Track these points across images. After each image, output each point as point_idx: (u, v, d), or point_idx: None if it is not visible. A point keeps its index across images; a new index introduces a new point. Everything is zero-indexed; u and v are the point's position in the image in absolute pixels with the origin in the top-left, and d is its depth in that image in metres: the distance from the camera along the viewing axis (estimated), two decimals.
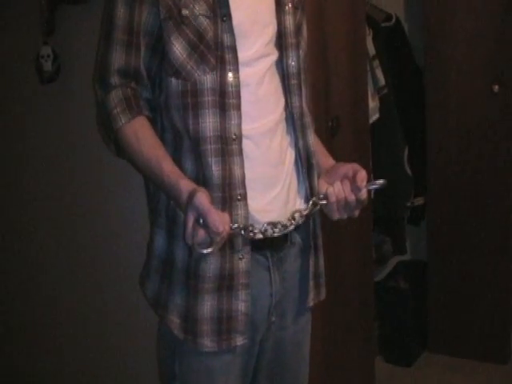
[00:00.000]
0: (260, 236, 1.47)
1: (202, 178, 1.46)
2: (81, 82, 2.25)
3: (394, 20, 3.42)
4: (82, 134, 2.31)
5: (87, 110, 2.21)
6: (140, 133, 1.46)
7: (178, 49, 1.44)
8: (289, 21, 1.58)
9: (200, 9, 1.44)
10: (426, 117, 3.38)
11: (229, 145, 1.47)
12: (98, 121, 1.56)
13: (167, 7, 1.43)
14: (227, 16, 1.46)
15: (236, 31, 1.47)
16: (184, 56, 1.45)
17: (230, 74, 1.47)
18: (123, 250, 2.36)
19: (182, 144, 1.49)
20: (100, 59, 1.51)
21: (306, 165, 1.61)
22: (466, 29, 3.28)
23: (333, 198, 1.52)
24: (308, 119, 1.63)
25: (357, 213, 1.56)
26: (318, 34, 2.47)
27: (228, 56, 1.47)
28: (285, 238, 1.57)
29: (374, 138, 3.01)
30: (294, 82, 1.59)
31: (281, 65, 1.58)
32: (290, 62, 1.58)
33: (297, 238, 1.62)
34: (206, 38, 1.45)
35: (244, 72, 1.49)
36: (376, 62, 3.16)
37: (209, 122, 1.46)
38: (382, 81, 3.17)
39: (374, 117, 3.11)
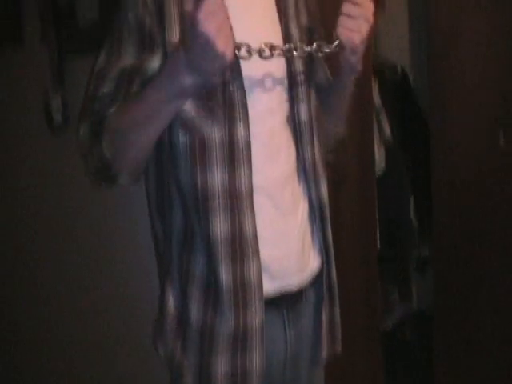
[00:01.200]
0: (256, 56, 1.39)
1: (209, 236, 1.43)
2: None
3: (399, 71, 3.45)
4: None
5: None
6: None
7: (187, 105, 1.40)
8: (299, 70, 1.54)
9: None
10: (431, 167, 3.39)
11: (239, 199, 1.44)
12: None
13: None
14: (237, 70, 1.43)
15: (246, 86, 1.44)
16: (192, 111, 1.41)
17: (240, 129, 1.43)
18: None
19: (187, 201, 1.45)
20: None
21: (319, 215, 1.58)
22: (472, 79, 3.31)
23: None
24: (321, 169, 1.59)
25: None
26: None
27: (238, 111, 1.43)
28: (300, 295, 1.55)
29: (380, 189, 3.01)
30: (305, 132, 1.55)
31: (292, 115, 1.54)
32: (301, 112, 1.54)
33: (311, 295, 1.59)
34: (216, 94, 1.41)
35: (256, 127, 1.46)
36: (382, 114, 3.19)
37: (217, 177, 1.42)
38: (388, 132, 3.19)
39: (381, 168, 3.12)
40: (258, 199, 1.47)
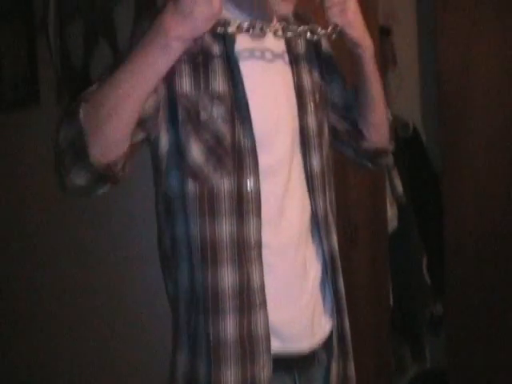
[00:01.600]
0: (233, 30, 1.33)
1: (216, 288, 1.42)
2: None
3: (411, 128, 3.47)
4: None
5: None
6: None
7: (196, 152, 1.39)
8: (311, 120, 1.53)
9: (218, 112, 1.40)
10: (443, 225, 3.37)
11: (247, 251, 1.42)
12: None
13: (186, 110, 1.39)
14: (247, 120, 1.42)
15: (256, 135, 1.43)
16: (202, 160, 1.40)
17: (250, 179, 1.42)
18: None
19: (194, 253, 1.43)
20: None
21: (330, 266, 1.55)
22: (484, 136, 3.31)
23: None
24: (331, 220, 1.57)
25: None
26: None
27: (247, 160, 1.42)
28: (312, 358, 1.53)
29: (393, 247, 3.00)
30: (317, 183, 1.53)
31: (304, 166, 1.52)
32: (313, 163, 1.52)
33: (324, 357, 1.56)
34: (224, 142, 1.41)
35: (268, 181, 1.45)
36: (394, 171, 3.20)
37: (226, 229, 1.41)
38: (400, 189, 3.19)
39: (393, 225, 3.12)
40: (269, 258, 1.46)
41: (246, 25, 1.34)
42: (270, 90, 1.49)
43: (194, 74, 1.40)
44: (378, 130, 1.66)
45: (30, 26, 2.55)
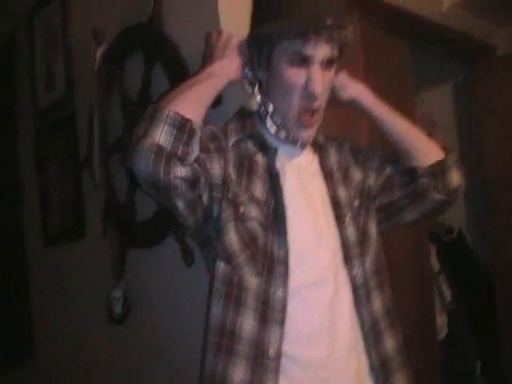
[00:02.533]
0: None
1: (223, 379, 1.40)
2: (149, 325, 2.32)
3: (456, 232, 3.45)
4: (148, 374, 2.34)
5: (155, 348, 2.27)
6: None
7: (233, 237, 1.44)
8: (350, 232, 1.56)
9: (255, 214, 1.46)
10: (498, 330, 3.30)
11: (264, 358, 1.41)
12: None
13: (228, 201, 1.45)
14: (282, 231, 1.46)
15: (296, 249, 1.46)
16: (237, 247, 1.44)
17: (278, 287, 1.43)
18: None
19: (210, 335, 1.43)
20: None
21: (381, 374, 1.54)
22: None
23: None
24: (384, 324, 1.56)
25: None
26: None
27: (279, 269, 1.44)
28: None
29: (445, 353, 2.94)
30: (362, 292, 1.54)
31: (348, 279, 1.53)
32: (355, 273, 1.53)
33: None
34: (257, 242, 1.44)
35: (312, 294, 1.46)
36: (442, 277, 3.16)
37: (247, 323, 1.41)
38: (448, 296, 3.15)
39: (443, 333, 3.06)
40: (291, 369, 1.43)
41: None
42: (309, 205, 1.54)
43: (238, 173, 1.48)
44: (422, 151, 1.66)
45: (76, 161, 2.65)
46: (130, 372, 2.41)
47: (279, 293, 1.43)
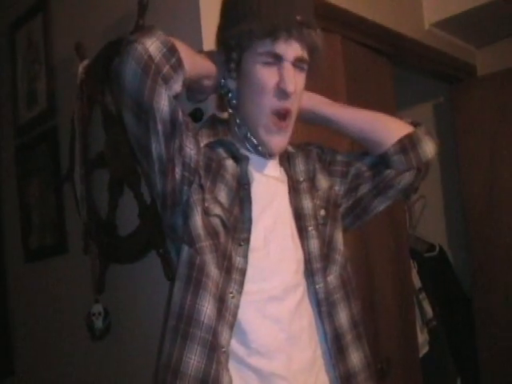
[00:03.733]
0: None
1: (177, 364, 1.38)
2: (130, 339, 2.30)
3: (437, 249, 3.46)
4: None
5: (137, 363, 2.25)
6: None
7: (199, 222, 1.43)
8: (314, 245, 1.55)
9: (217, 211, 1.45)
10: (476, 345, 3.31)
11: (219, 352, 1.39)
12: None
13: (197, 188, 1.45)
14: (245, 241, 1.46)
15: (252, 261, 1.45)
16: (201, 232, 1.43)
17: (233, 292, 1.43)
18: None
19: (169, 320, 1.42)
20: None
21: None
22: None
23: None
24: (350, 337, 1.55)
25: None
26: (364, 277, 2.51)
27: (236, 275, 1.43)
28: None
29: (425, 370, 2.94)
30: (324, 307, 1.53)
31: (310, 291, 1.54)
32: (317, 287, 1.53)
33: None
34: (219, 238, 1.44)
35: (273, 306, 1.46)
36: (422, 295, 3.17)
37: (206, 307, 1.39)
38: (429, 313, 3.15)
39: (424, 351, 3.07)
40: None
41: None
42: (275, 218, 1.53)
43: (204, 173, 1.47)
44: (388, 130, 1.66)
45: (57, 177, 2.63)
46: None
47: (233, 299, 1.43)
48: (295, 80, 1.48)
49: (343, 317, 1.55)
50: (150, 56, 1.33)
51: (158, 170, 1.41)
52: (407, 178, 1.65)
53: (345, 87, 2.51)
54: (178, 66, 1.38)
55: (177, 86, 1.39)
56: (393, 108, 2.93)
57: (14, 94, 2.92)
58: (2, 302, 3.01)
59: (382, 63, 2.90)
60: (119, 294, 2.35)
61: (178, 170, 1.42)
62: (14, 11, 2.94)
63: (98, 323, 2.33)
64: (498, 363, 3.26)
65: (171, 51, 1.38)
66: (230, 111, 1.57)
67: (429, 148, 1.66)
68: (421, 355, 2.99)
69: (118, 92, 1.39)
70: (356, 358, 1.55)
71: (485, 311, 3.34)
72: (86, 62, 2.40)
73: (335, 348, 1.53)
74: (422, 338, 3.06)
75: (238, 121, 1.55)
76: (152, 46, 1.34)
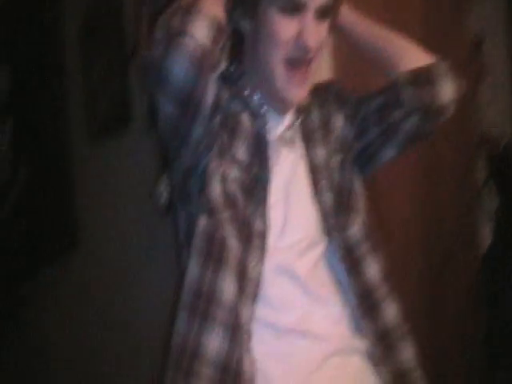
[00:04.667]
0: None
1: (195, 347, 1.30)
2: None
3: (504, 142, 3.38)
4: None
5: None
6: None
7: (218, 190, 1.34)
8: (327, 198, 1.44)
9: (234, 174, 1.36)
10: None
11: (241, 330, 1.31)
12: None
13: (216, 153, 1.36)
14: (262, 201, 1.37)
15: (275, 218, 1.37)
16: (221, 201, 1.34)
17: (254, 260, 1.34)
18: None
19: (188, 301, 1.34)
20: None
21: (383, 343, 1.44)
22: None
23: None
24: (382, 291, 1.45)
25: None
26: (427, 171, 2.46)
27: (256, 241, 1.35)
28: None
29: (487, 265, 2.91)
30: (347, 265, 1.42)
31: (330, 248, 1.43)
32: (338, 243, 1.42)
33: None
34: (237, 206, 1.35)
35: (287, 264, 1.38)
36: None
37: (228, 285, 1.31)
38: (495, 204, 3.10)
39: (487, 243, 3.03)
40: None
41: None
42: (291, 175, 1.43)
43: (220, 129, 1.38)
44: (403, 54, 1.50)
45: (123, 56, 2.60)
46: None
47: (255, 268, 1.34)
48: (317, 31, 1.35)
49: (371, 271, 1.45)
50: (203, 51, 1.21)
51: (191, 144, 1.34)
52: (411, 122, 1.48)
53: None
54: (224, 45, 1.27)
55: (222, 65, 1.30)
56: None
57: None
58: (66, 174, 3.07)
59: None
60: None
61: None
62: None
63: (163, 200, 2.34)
64: None
65: (219, 31, 1.25)
66: (241, 61, 1.45)
67: (448, 89, 1.45)
68: (483, 250, 2.95)
69: (158, 83, 1.26)
70: (389, 314, 1.45)
71: None
72: None
73: (365, 305, 1.43)
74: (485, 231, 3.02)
75: (250, 72, 1.43)
76: (200, 33, 1.20)
